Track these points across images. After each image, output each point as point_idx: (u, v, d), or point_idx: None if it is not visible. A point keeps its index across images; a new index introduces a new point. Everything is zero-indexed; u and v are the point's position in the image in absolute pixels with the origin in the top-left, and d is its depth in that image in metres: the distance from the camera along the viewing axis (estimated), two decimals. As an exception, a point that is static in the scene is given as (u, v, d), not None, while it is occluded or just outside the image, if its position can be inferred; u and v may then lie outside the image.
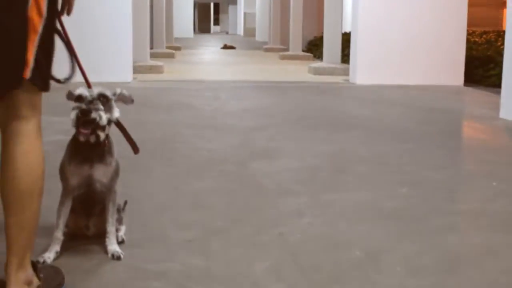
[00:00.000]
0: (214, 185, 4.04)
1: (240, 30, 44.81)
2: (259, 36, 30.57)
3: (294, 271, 2.70)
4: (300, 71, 12.85)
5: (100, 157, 2.68)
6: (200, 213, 3.47)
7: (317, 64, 12.80)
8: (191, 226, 3.23)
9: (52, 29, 2.29)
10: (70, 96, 2.64)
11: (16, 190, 2.18)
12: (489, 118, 7.15)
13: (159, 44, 16.25)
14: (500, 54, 11.30)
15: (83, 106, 2.53)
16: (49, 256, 2.73)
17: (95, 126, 2.57)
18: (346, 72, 11.57)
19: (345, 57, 12.86)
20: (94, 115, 2.54)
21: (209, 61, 16.62)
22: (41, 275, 2.35)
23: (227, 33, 52.03)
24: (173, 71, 12.17)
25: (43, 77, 2.25)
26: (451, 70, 10.59)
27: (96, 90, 2.58)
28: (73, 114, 2.54)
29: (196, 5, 46.61)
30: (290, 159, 4.85)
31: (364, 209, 3.61)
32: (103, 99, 2.59)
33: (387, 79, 10.37)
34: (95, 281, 2.58)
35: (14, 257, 2.23)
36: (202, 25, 55.43)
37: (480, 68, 11.06)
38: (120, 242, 2.91)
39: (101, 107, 2.56)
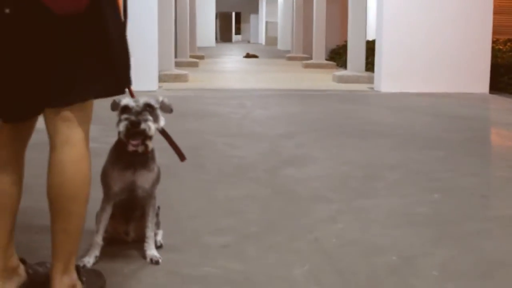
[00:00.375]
0: (246, 192, 4.07)
1: (262, 39, 44.92)
2: (281, 45, 30.62)
3: (332, 276, 2.72)
4: (324, 79, 12.87)
5: (143, 163, 2.71)
6: (235, 219, 3.50)
7: (341, 72, 12.82)
8: (226, 232, 3.26)
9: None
10: (115, 106, 2.67)
11: (64, 196, 2.22)
12: (517, 125, 7.15)
13: (183, 53, 16.34)
14: (526, 61, 11.28)
15: (132, 117, 2.54)
16: (88, 261, 2.77)
17: (144, 137, 2.59)
18: (370, 80, 11.58)
19: (369, 65, 12.87)
20: (143, 126, 2.54)
21: (233, 69, 16.68)
22: (84, 278, 2.39)
23: (248, 42, 52.18)
24: (197, 79, 12.24)
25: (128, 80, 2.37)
26: (476, 77, 10.55)
27: (142, 100, 2.59)
28: (122, 126, 2.55)
29: (217, 15, 46.78)
30: (320, 166, 4.87)
31: (397, 215, 3.63)
32: (149, 108, 2.60)
33: (412, 87, 10.36)
34: (135, 285, 2.61)
35: (59, 262, 2.27)
36: (223, 34, 55.61)
37: (506, 76, 11.00)
38: (158, 247, 2.94)
39: (150, 117, 2.57)
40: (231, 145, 5.64)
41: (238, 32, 59.23)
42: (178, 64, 13.70)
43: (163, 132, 2.71)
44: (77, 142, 2.23)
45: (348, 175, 4.59)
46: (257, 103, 8.77)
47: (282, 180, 4.40)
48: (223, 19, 56.19)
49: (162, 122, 2.66)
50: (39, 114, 2.32)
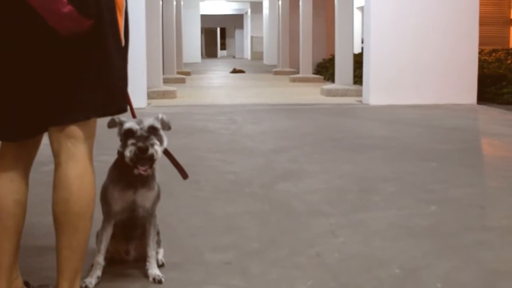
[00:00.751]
0: (244, 208, 4.06)
1: (247, 54, 45.02)
2: (267, 60, 30.72)
3: (336, 290, 2.72)
4: (312, 93, 12.91)
5: (143, 182, 2.70)
6: (235, 235, 3.49)
7: (329, 85, 12.87)
8: (227, 249, 3.25)
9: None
10: (113, 124, 2.66)
11: (69, 212, 2.22)
12: (507, 135, 7.19)
13: (170, 70, 16.37)
14: (512, 71, 11.37)
15: (140, 144, 2.52)
16: (90, 282, 2.75)
17: (152, 161, 2.57)
18: (358, 93, 11.64)
19: (355, 78, 12.93)
20: (151, 151, 2.52)
21: (220, 85, 16.69)
22: None
23: (234, 57, 52.29)
24: (185, 96, 12.25)
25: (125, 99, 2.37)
26: (464, 88, 10.62)
27: (145, 123, 2.57)
28: (129, 152, 2.53)
29: (202, 30, 46.87)
30: (315, 180, 4.87)
31: (396, 227, 3.63)
32: (153, 130, 2.58)
33: (400, 99, 10.41)
34: (139, 304, 2.60)
35: (65, 281, 2.26)
36: (209, 50, 55.71)
37: (492, 86, 11.09)
38: (160, 266, 2.93)
39: (156, 142, 2.55)
40: (224, 161, 5.64)
41: (223, 47, 59.33)
42: (165, 81, 13.71)
43: (165, 151, 2.69)
44: (82, 158, 2.24)
45: (344, 188, 4.59)
46: (247, 118, 8.77)
47: (279, 195, 4.40)
48: (208, 34, 56.30)
49: (165, 143, 2.64)
50: (43, 132, 2.32)
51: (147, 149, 2.52)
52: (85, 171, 2.25)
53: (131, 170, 2.61)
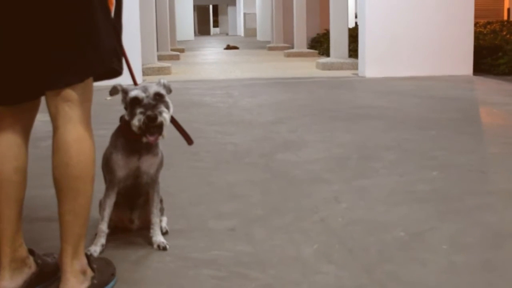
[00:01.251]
0: (245, 177, 4.05)
1: (241, 31, 44.86)
2: (260, 36, 30.61)
3: (342, 253, 2.71)
4: (307, 67, 12.87)
5: (147, 148, 2.67)
6: (238, 203, 3.48)
7: (325, 59, 12.82)
8: (231, 216, 3.24)
9: (120, 11, 2.38)
10: (114, 91, 2.62)
11: (69, 176, 2.19)
12: (504, 104, 7.18)
13: (164, 47, 16.28)
14: (508, 42, 11.34)
15: (149, 112, 2.49)
16: (95, 249, 2.74)
17: (161, 129, 2.53)
18: (354, 67, 11.60)
19: (350, 51, 12.88)
20: (160, 119, 2.49)
21: (215, 61, 16.62)
22: (94, 266, 2.36)
23: (227, 34, 52.11)
24: (180, 71, 12.20)
25: (120, 60, 2.33)
26: (460, 60, 10.59)
27: (151, 90, 2.54)
28: (137, 121, 2.50)
29: (195, 8, 46.61)
30: (315, 150, 4.86)
31: (398, 193, 3.63)
32: (159, 97, 2.55)
33: (396, 71, 10.39)
34: (145, 271, 2.58)
35: (68, 246, 2.23)
36: (201, 28, 55.47)
37: (488, 57, 11.06)
38: (164, 233, 2.91)
39: (164, 109, 2.52)
40: (223, 132, 5.62)
41: (216, 25, 59.11)
42: (159, 58, 13.63)
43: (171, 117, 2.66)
44: (80, 121, 2.21)
45: (344, 156, 4.58)
46: (243, 92, 8.74)
47: (279, 164, 4.38)
48: (200, 12, 56.03)
49: (172, 109, 2.61)
50: (39, 96, 2.29)
51: (156, 117, 2.49)
52: (84, 134, 2.22)
53: (136, 137, 2.58)
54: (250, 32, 37.91)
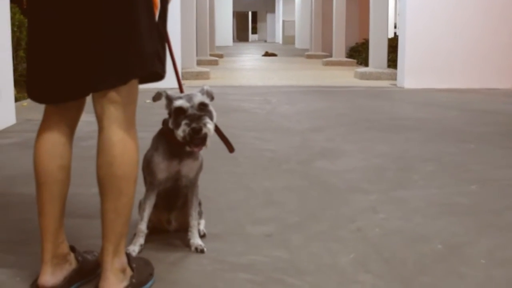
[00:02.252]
0: (283, 183, 4.06)
1: (279, 38, 44.92)
2: (299, 44, 30.62)
3: (379, 263, 2.70)
4: (345, 76, 12.85)
5: (188, 152, 2.69)
6: (275, 209, 3.49)
7: (363, 69, 12.79)
8: (268, 222, 3.25)
9: (165, 15, 2.41)
10: (157, 97, 2.65)
11: (113, 176, 2.22)
12: (546, 119, 7.10)
13: (203, 52, 16.39)
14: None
15: (194, 125, 2.51)
16: (133, 249, 2.77)
17: (205, 140, 2.56)
18: (392, 77, 11.56)
19: (389, 62, 12.84)
20: (204, 131, 2.52)
21: (253, 67, 16.67)
22: (133, 265, 2.39)
23: (265, 41, 52.21)
24: (219, 77, 12.26)
25: (163, 64, 2.36)
26: (500, 73, 10.51)
27: (196, 100, 2.57)
28: (182, 132, 2.53)
29: (234, 14, 46.80)
30: (352, 159, 4.86)
31: (437, 205, 3.60)
32: (203, 107, 2.58)
33: (435, 83, 10.34)
34: (182, 273, 2.61)
35: (110, 244, 2.26)
36: (240, 34, 55.66)
37: (530, 71, 10.92)
38: (202, 236, 2.94)
39: (208, 120, 2.55)
40: (261, 139, 5.64)
41: (254, 31, 59.24)
42: (198, 63, 13.74)
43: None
44: (124, 122, 2.24)
45: (382, 167, 4.57)
46: (281, 99, 8.76)
47: (317, 172, 4.39)
48: (239, 18, 56.23)
49: (215, 118, 2.63)
50: (85, 96, 2.34)
51: (201, 129, 2.52)
52: (128, 135, 2.25)
53: (178, 143, 2.61)
54: (289, 39, 37.93)
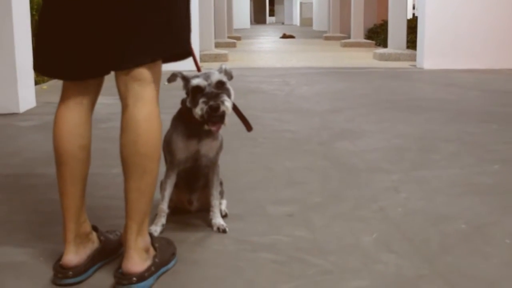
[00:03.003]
0: (304, 164, 4.04)
1: (296, 20, 44.71)
2: (316, 26, 30.44)
3: (403, 243, 2.68)
4: (364, 58, 12.77)
5: (208, 132, 2.67)
6: (296, 189, 3.47)
7: (382, 50, 12.70)
8: (289, 202, 3.24)
9: None
10: (173, 78, 2.61)
11: (137, 154, 2.20)
12: None
13: (221, 34, 16.33)
14: None
15: (212, 102, 2.50)
16: (155, 229, 2.77)
17: (223, 118, 2.54)
18: (412, 58, 11.47)
19: (408, 43, 12.73)
20: (222, 108, 2.50)
21: (271, 49, 16.61)
22: (156, 245, 2.38)
23: (282, 23, 51.97)
24: (237, 59, 12.23)
25: (189, 43, 2.34)
26: (522, 53, 10.38)
27: (213, 78, 2.55)
28: (200, 110, 2.51)
29: (251, -4, 46.66)
30: (373, 140, 4.82)
31: (459, 185, 3.57)
32: (221, 85, 2.56)
33: (455, 63, 10.23)
34: (204, 252, 2.60)
35: (133, 223, 2.25)
36: (257, 16, 55.45)
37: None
38: (223, 216, 2.93)
39: (226, 98, 2.52)
40: (280, 120, 5.61)
41: (272, 14, 59.02)
42: (216, 45, 13.70)
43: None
44: (149, 101, 2.22)
45: (403, 147, 4.53)
46: (300, 81, 8.71)
47: (338, 153, 4.36)
48: (257, 1, 56.02)
49: (233, 96, 2.61)
50: (106, 73, 2.33)
51: (218, 107, 2.49)
52: (152, 113, 2.22)
53: (197, 122, 2.59)
54: (306, 21, 37.73)
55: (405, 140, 4.76)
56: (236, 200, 3.23)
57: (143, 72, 2.20)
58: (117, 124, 2.30)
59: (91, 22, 2.19)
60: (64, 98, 2.34)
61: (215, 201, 2.85)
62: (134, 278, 2.22)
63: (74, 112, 2.32)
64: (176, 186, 2.86)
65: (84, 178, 2.36)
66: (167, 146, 2.76)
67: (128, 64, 2.20)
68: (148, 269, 2.26)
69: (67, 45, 2.24)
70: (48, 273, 2.35)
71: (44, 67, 2.38)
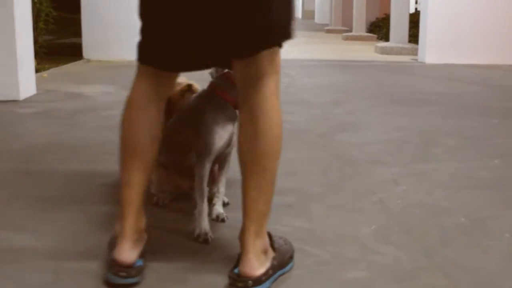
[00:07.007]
0: (304, 155, 4.03)
1: (298, 13, 44.59)
2: (318, 19, 30.35)
3: (401, 235, 2.68)
4: (366, 51, 12.74)
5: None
6: (296, 180, 3.47)
7: (384, 43, 12.67)
8: (289, 192, 3.22)
9: None
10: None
11: (257, 150, 2.09)
12: None
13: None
14: None
15: None
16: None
17: None
18: (413, 52, 11.44)
19: (409, 37, 12.70)
20: None
21: (272, 42, 16.54)
22: (275, 246, 2.26)
23: (284, 16, 51.82)
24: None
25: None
26: (524, 48, 10.36)
27: None
28: None
29: (253, -12, 46.50)
30: (373, 132, 4.81)
31: (459, 179, 3.57)
32: None
33: (456, 58, 10.20)
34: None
35: (252, 223, 2.14)
36: (259, 8, 55.35)
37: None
38: (225, 205, 2.91)
39: None
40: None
41: (273, 6, 58.91)
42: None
43: None
44: (269, 94, 2.07)
45: (404, 140, 4.52)
46: (302, 73, 8.70)
47: (338, 145, 4.35)
48: (259, -8, 55.90)
49: None
50: (225, 64, 2.26)
51: None
52: (273, 108, 2.07)
53: (233, 102, 2.53)
54: (308, 14, 37.61)
55: (406, 133, 4.75)
56: (235, 189, 3.21)
57: (262, 64, 2.05)
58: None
59: (214, 13, 2.03)
60: (139, 91, 2.20)
61: (222, 188, 2.82)
62: (250, 282, 2.09)
63: (149, 104, 2.19)
64: (177, 172, 2.85)
65: (150, 170, 2.26)
66: (206, 135, 2.58)
67: (246, 52, 2.05)
68: (266, 272, 2.14)
69: (182, 33, 2.08)
70: (48, 258, 2.35)
71: (157, 57, 2.18)
